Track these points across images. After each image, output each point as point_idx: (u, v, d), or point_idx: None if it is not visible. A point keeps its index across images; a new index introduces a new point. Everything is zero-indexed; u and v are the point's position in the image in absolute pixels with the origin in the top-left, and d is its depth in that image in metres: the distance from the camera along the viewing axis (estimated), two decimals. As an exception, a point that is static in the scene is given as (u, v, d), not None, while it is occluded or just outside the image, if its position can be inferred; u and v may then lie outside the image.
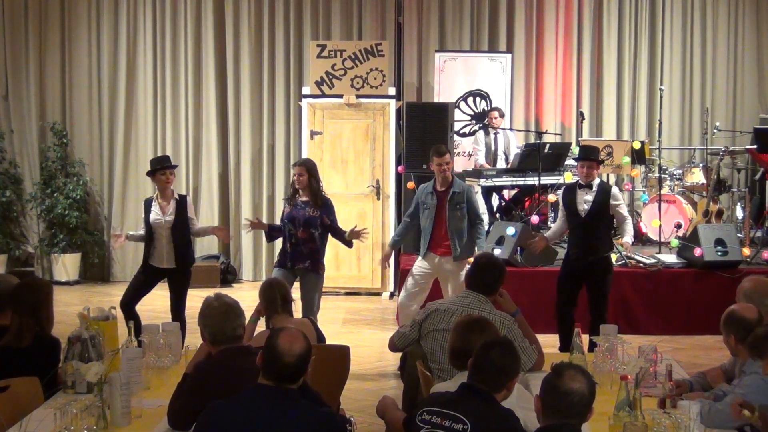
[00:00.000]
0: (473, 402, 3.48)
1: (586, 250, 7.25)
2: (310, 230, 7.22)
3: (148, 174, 7.57)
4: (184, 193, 11.63)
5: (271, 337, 3.50)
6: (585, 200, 7.28)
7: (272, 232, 7.64)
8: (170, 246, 7.25)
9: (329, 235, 7.40)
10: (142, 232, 7.49)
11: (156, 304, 8.07)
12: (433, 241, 7.42)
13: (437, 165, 7.36)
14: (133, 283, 7.39)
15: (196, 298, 9.84)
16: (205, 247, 11.75)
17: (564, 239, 8.20)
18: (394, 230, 10.79)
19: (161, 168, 7.31)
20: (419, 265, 7.53)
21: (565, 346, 6.91)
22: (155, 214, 7.27)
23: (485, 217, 10.99)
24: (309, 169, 7.33)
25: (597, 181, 7.39)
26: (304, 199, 7.30)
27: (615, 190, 7.45)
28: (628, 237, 7.45)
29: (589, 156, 7.37)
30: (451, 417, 3.45)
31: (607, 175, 11.17)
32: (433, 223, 7.40)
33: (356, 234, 7.34)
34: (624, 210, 7.49)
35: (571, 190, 7.42)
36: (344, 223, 10.64)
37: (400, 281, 9.19)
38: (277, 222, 7.94)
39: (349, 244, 7.55)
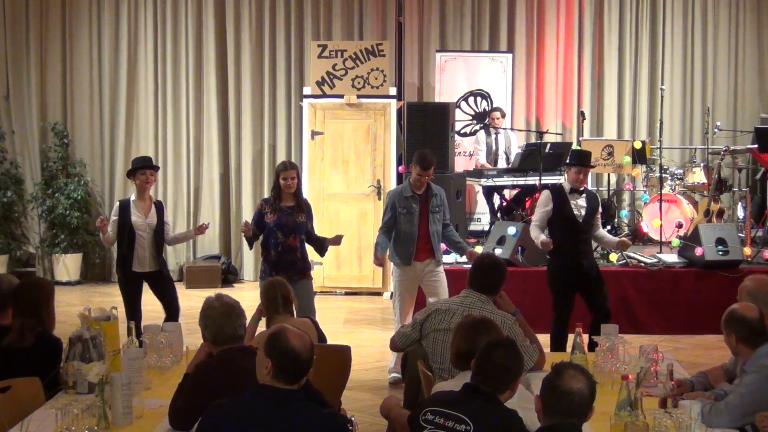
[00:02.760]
0: (476, 402, 3.48)
1: (582, 256, 7.14)
2: (300, 237, 6.91)
3: (128, 174, 7.32)
4: (185, 194, 11.79)
5: (276, 340, 3.45)
6: (579, 206, 7.13)
7: (253, 239, 7.14)
8: (152, 249, 7.05)
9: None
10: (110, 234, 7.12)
11: (158, 304, 8.06)
12: (417, 247, 7.07)
13: (418, 175, 6.97)
14: (126, 300, 7.03)
15: (196, 298, 9.87)
16: (206, 247, 11.76)
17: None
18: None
19: (142, 167, 7.08)
20: (404, 277, 7.13)
21: (557, 346, 6.92)
22: (137, 216, 7.02)
23: (486, 217, 11.07)
24: (299, 172, 7.04)
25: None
26: (290, 204, 6.90)
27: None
28: (617, 237, 7.20)
29: (586, 162, 7.24)
30: (454, 417, 3.46)
31: (608, 175, 11.19)
32: (417, 228, 7.04)
33: (339, 240, 7.09)
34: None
35: (561, 195, 7.17)
36: (346, 223, 10.79)
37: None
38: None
39: (322, 252, 7.17)
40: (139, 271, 7.05)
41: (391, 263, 7.36)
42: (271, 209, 6.89)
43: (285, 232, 6.83)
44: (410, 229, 7.05)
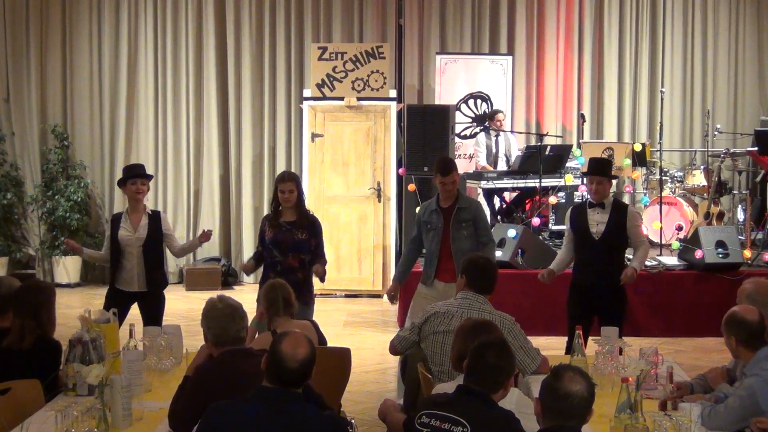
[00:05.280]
0: (472, 404, 3.49)
1: (598, 277, 6.42)
2: (301, 256, 6.25)
3: (119, 184, 6.76)
4: (185, 196, 11.79)
5: (275, 341, 3.49)
6: (597, 220, 6.42)
7: (258, 264, 6.58)
8: (141, 266, 6.41)
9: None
10: (101, 252, 6.71)
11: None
12: (440, 266, 6.47)
13: (440, 183, 6.43)
14: None
15: (196, 301, 9.88)
16: (206, 249, 11.75)
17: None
18: (395, 233, 10.84)
19: (131, 176, 6.49)
20: (425, 294, 6.51)
21: None
22: (125, 230, 6.44)
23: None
24: (298, 184, 6.34)
25: (610, 198, 6.53)
26: (289, 219, 6.28)
27: (632, 208, 6.70)
28: (636, 262, 6.46)
29: (603, 171, 6.49)
30: (450, 419, 3.46)
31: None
32: (439, 245, 6.44)
33: (320, 273, 6.36)
34: (641, 232, 6.58)
35: (579, 210, 6.58)
36: (346, 225, 10.80)
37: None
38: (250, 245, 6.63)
39: (321, 278, 6.45)
40: (125, 290, 6.45)
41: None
42: (270, 225, 6.33)
43: (282, 251, 6.23)
44: (432, 246, 6.47)
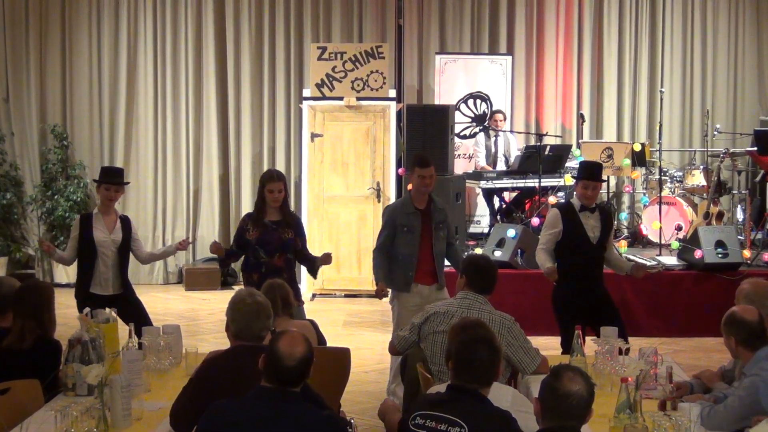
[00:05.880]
0: (466, 403, 3.47)
1: (595, 282, 6.49)
2: (287, 256, 6.17)
3: (95, 181, 6.79)
4: (185, 196, 11.79)
5: (272, 340, 3.50)
6: (592, 225, 6.41)
7: (227, 259, 6.60)
8: (117, 268, 6.35)
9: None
10: (66, 253, 6.53)
11: (157, 306, 8.06)
12: (420, 269, 6.32)
13: (419, 177, 6.24)
14: None
15: (196, 301, 9.89)
16: (205, 249, 11.72)
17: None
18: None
19: (105, 182, 6.48)
20: (408, 304, 6.30)
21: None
22: (100, 231, 6.35)
23: (486, 219, 11.07)
24: (286, 184, 6.29)
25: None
26: (275, 218, 6.18)
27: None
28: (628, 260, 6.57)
29: (596, 176, 6.48)
30: (446, 420, 3.44)
31: (608, 178, 11.18)
32: (418, 247, 6.30)
33: (329, 258, 6.38)
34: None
35: (571, 213, 6.44)
36: (346, 225, 10.81)
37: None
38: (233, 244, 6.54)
39: (314, 273, 6.51)
40: (100, 294, 6.28)
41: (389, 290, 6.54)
42: (254, 225, 6.19)
43: (268, 251, 6.13)
44: (410, 250, 6.30)
